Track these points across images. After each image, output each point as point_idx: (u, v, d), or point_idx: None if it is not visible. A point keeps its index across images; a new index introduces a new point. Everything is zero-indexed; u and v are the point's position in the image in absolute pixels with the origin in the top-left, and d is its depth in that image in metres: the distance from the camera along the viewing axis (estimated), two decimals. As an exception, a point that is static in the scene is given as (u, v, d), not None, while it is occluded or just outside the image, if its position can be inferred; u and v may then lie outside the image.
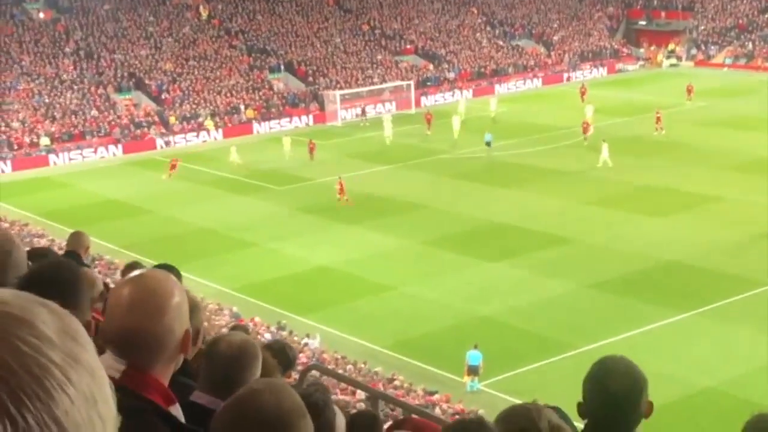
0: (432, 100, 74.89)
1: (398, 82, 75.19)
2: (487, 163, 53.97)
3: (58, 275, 3.90)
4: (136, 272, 3.17)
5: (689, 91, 67.41)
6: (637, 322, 32.09)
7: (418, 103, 73.26)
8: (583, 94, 66.38)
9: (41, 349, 1.14)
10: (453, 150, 57.10)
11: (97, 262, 35.45)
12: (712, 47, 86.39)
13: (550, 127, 60.71)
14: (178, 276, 3.90)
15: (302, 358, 27.28)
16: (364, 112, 69.61)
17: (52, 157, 61.77)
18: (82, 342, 1.20)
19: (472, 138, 58.63)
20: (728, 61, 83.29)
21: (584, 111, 60.78)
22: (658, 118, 58.60)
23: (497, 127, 61.25)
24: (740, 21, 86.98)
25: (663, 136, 56.99)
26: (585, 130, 55.80)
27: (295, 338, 30.51)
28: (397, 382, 26.70)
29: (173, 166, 54.09)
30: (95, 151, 62.99)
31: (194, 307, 3.90)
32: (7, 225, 40.54)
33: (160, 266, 4.17)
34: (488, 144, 55.37)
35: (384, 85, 74.64)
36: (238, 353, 3.90)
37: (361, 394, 21.51)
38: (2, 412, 1.08)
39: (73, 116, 65.78)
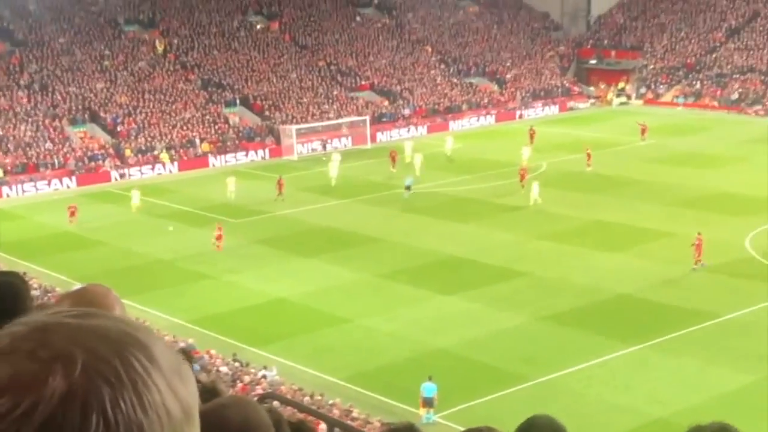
0: (387, 136, 75.44)
1: (354, 118, 75.66)
2: (443, 199, 54.42)
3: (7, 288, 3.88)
4: (75, 287, 3.23)
5: (643, 131, 68.04)
6: (591, 354, 32.54)
7: (374, 139, 73.76)
8: (532, 136, 66.03)
9: (150, 371, 1.27)
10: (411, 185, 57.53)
11: (49, 294, 35.26)
12: (661, 86, 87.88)
13: (504, 163, 61.38)
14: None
15: (258, 389, 27.40)
16: (324, 147, 69.83)
17: (5, 189, 61.39)
18: (186, 382, 1.33)
19: (430, 174, 59.20)
20: (681, 100, 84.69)
21: (521, 154, 61.15)
22: (588, 155, 59.88)
23: (453, 165, 61.87)
24: (688, 60, 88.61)
25: (596, 172, 57.96)
26: (522, 177, 54.66)
27: (252, 370, 30.61)
28: (354, 414, 26.85)
29: (72, 213, 51.85)
30: (49, 184, 62.72)
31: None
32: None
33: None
34: (408, 188, 54.31)
35: (340, 120, 75.07)
36: None
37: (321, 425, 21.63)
38: (100, 411, 1.21)
39: (27, 148, 65.46)
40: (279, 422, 4.92)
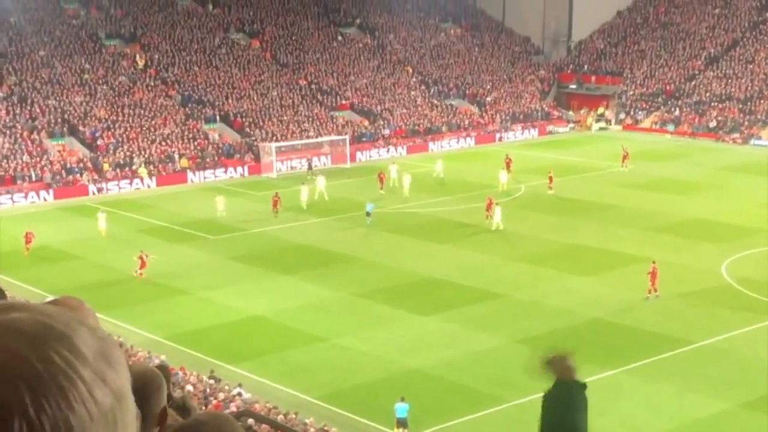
0: (367, 156, 75.52)
1: (334, 137, 75.69)
2: (421, 219, 54.46)
3: None
4: (48, 299, 3.21)
5: (624, 157, 67.98)
6: (566, 377, 32.47)
7: (353, 158, 73.81)
8: (508, 164, 65.15)
9: (72, 363, 1.21)
10: (389, 205, 57.60)
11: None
12: (640, 112, 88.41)
13: (482, 185, 61.51)
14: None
15: (232, 407, 27.26)
16: (310, 166, 69.67)
17: (-19, 200, 61.08)
18: (115, 367, 1.28)
19: (409, 195, 59.35)
20: (671, 127, 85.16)
21: (498, 178, 61.38)
22: (551, 178, 60.30)
23: (433, 187, 61.95)
24: (668, 87, 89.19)
25: (566, 196, 58.16)
26: (488, 206, 52.96)
27: (226, 387, 30.46)
28: (330, 433, 26.77)
29: (28, 241, 49.05)
30: (26, 196, 62.43)
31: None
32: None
33: None
34: (368, 214, 53.36)
35: (320, 139, 75.10)
36: (140, 384, 3.65)
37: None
38: (22, 414, 1.15)
39: (4, 161, 65.15)
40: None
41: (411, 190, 60.10)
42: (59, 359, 1.19)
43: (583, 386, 3.57)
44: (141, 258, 44.67)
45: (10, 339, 1.18)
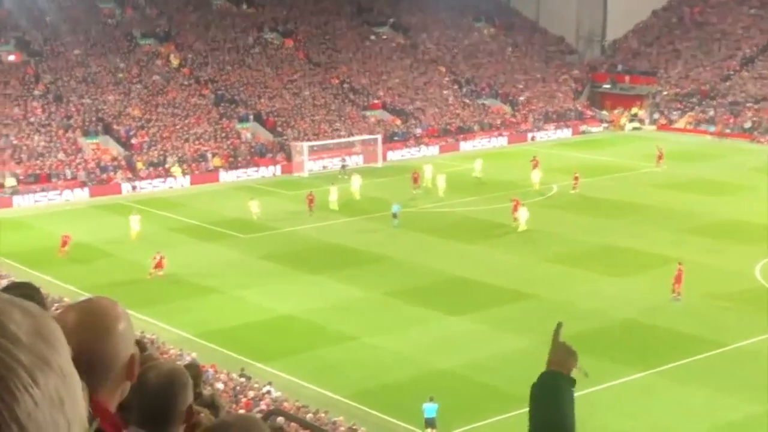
0: (399, 155, 75.51)
1: (366, 136, 75.74)
2: (452, 219, 54.41)
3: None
4: (82, 298, 3.22)
5: (659, 157, 67.67)
6: (596, 379, 32.29)
7: (385, 158, 73.83)
8: (535, 166, 64.15)
9: (9, 349, 1.16)
10: (420, 204, 57.60)
11: (56, 305, 35.29)
12: (674, 112, 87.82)
13: (515, 185, 61.35)
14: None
15: (262, 405, 27.40)
16: (344, 165, 69.69)
17: (16, 198, 61.62)
18: (54, 344, 1.23)
19: (437, 193, 59.35)
20: (711, 128, 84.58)
21: (531, 177, 61.50)
22: (576, 178, 60.14)
23: (475, 188, 61.74)
24: (702, 87, 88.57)
25: (599, 196, 57.87)
26: (515, 208, 52.72)
27: (255, 385, 30.58)
28: (359, 432, 26.82)
29: (64, 244, 48.68)
30: (60, 194, 62.91)
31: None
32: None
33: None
34: (395, 216, 53.04)
35: (352, 138, 75.18)
36: (167, 383, 3.74)
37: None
38: None
39: (39, 159, 65.72)
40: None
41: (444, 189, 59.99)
42: None
43: (572, 382, 3.57)
44: (156, 258, 44.86)
45: None
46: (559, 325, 3.47)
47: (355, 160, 72.49)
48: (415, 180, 61.67)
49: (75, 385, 1.24)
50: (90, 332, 2.87)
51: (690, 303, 39.65)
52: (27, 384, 1.15)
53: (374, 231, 52.24)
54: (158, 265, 44.61)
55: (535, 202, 57.75)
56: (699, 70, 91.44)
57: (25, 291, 3.96)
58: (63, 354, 1.22)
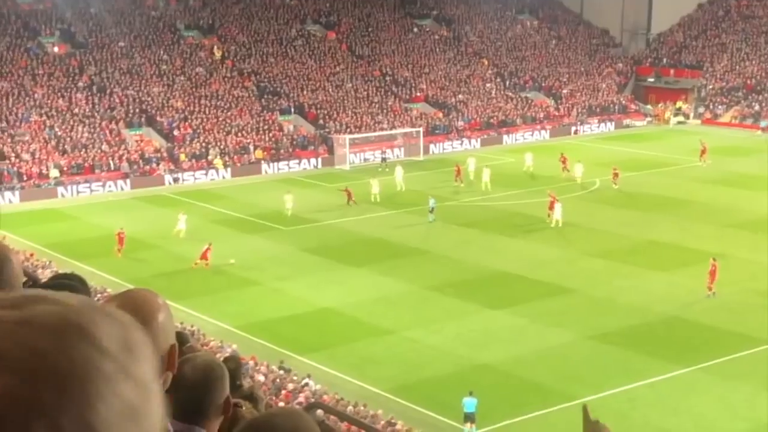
0: (440, 148, 75.29)
1: (408, 129, 75.63)
2: (493, 213, 54.17)
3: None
4: (124, 289, 3.22)
5: (702, 152, 66.98)
6: (638, 375, 32.14)
7: (426, 151, 73.66)
8: (564, 162, 63.67)
9: (94, 360, 1.16)
10: (458, 197, 57.41)
11: (99, 295, 35.54)
12: (720, 106, 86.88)
13: (556, 178, 60.96)
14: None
15: (301, 397, 27.41)
16: (384, 158, 69.60)
17: (60, 189, 62.13)
18: (139, 356, 1.22)
19: (480, 187, 59.10)
20: (764, 123, 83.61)
21: (574, 171, 61.04)
22: (615, 174, 59.35)
23: (517, 182, 61.36)
24: (748, 81, 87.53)
25: (645, 192, 57.31)
26: (552, 204, 51.94)
27: (294, 377, 30.61)
28: (398, 426, 26.75)
29: (121, 241, 47.69)
30: (103, 185, 63.33)
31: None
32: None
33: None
34: (431, 210, 52.46)
35: (394, 131, 75.08)
36: (203, 375, 3.76)
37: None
38: (42, 413, 1.11)
39: (83, 150, 66.21)
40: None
41: (482, 182, 59.68)
42: (81, 357, 1.16)
43: None
44: (204, 247, 45.02)
45: (30, 334, 1.15)
46: (585, 408, 3.37)
47: (397, 153, 72.40)
48: (458, 173, 61.43)
49: (154, 399, 1.24)
50: None
51: (733, 299, 39.19)
52: (106, 394, 1.16)
53: (415, 224, 52.13)
54: (203, 256, 44.78)
55: (578, 196, 57.40)
56: (745, 63, 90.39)
57: (72, 282, 3.96)
58: (147, 366, 1.23)
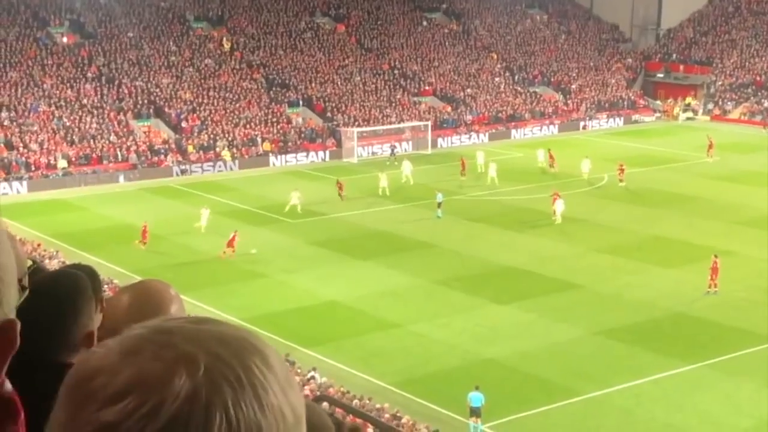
0: (448, 142, 75.22)
1: (416, 123, 75.57)
2: (501, 207, 54.11)
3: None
4: (134, 281, 3.23)
5: (709, 147, 66.97)
6: (644, 371, 32.12)
7: (434, 144, 73.60)
8: (551, 161, 63.25)
9: (267, 376, 1.31)
10: (465, 191, 57.35)
11: (106, 286, 35.59)
12: (729, 103, 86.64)
13: (565, 174, 60.86)
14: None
15: (306, 390, 27.43)
16: (393, 152, 69.57)
17: (68, 179, 62.17)
18: (295, 389, 1.37)
19: (488, 182, 59.09)
20: None
21: (581, 167, 60.53)
22: (622, 170, 58.79)
23: (525, 177, 61.23)
24: (758, 78, 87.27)
25: (654, 188, 57.20)
26: (554, 200, 51.62)
27: (298, 370, 30.62)
28: (404, 420, 26.76)
29: (144, 236, 47.29)
30: (111, 176, 63.33)
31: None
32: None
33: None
34: (439, 205, 52.16)
35: (402, 125, 75.03)
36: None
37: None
38: (224, 410, 1.26)
39: (91, 140, 66.26)
40: (340, 427, 4.86)
41: (489, 177, 59.69)
42: (257, 370, 1.30)
43: None
44: (230, 235, 45.31)
45: (217, 346, 1.30)
46: None
47: (405, 147, 72.36)
48: (463, 166, 61.33)
49: (303, 429, 1.37)
50: (142, 314, 2.89)
51: (740, 296, 39.14)
52: (275, 409, 1.30)
53: (422, 218, 52.09)
54: (230, 244, 45.10)
55: (585, 191, 57.33)
56: (755, 60, 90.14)
57: (87, 272, 3.98)
58: (301, 401, 1.36)
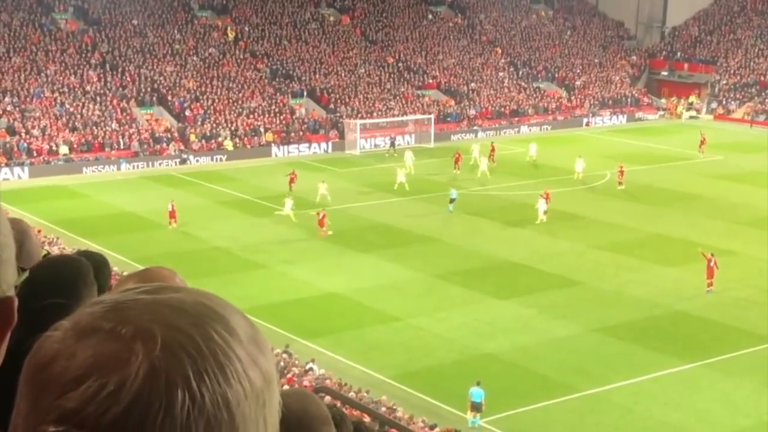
0: (451, 136, 75.08)
1: (419, 116, 75.49)
2: (502, 202, 54.03)
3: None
4: (139, 268, 3.19)
5: (701, 143, 67.43)
6: (642, 369, 32.08)
7: (437, 138, 73.49)
8: (491, 153, 62.86)
9: (230, 342, 1.26)
10: (470, 187, 57.26)
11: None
12: (732, 102, 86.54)
13: (566, 170, 60.75)
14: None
15: (305, 382, 27.40)
16: (393, 144, 69.57)
17: (69, 166, 62.10)
18: (264, 350, 1.32)
19: (491, 177, 59.00)
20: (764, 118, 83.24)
21: (574, 166, 59.95)
22: (621, 172, 57.89)
23: (526, 172, 61.18)
24: (762, 78, 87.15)
25: (659, 186, 57.12)
26: (547, 197, 51.17)
27: (296, 362, 30.59)
28: (399, 413, 26.72)
29: (173, 215, 48.61)
30: (113, 163, 63.28)
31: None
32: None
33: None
34: (452, 201, 51.97)
35: (405, 118, 74.96)
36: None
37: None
38: (185, 386, 1.21)
39: (94, 127, 66.19)
40: (342, 419, 4.81)
41: (493, 173, 59.58)
42: (218, 338, 1.25)
43: None
44: (319, 215, 46.93)
45: (175, 316, 1.25)
46: None
47: (407, 140, 72.29)
48: (457, 161, 61.23)
49: (276, 394, 1.34)
50: None
51: (740, 296, 39.12)
52: (240, 376, 1.25)
53: (423, 211, 52.01)
54: (321, 223, 46.11)
55: (588, 188, 57.26)
56: (759, 60, 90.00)
57: (97, 260, 3.96)
58: (270, 361, 1.33)
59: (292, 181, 55.49)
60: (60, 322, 1.29)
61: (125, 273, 27.24)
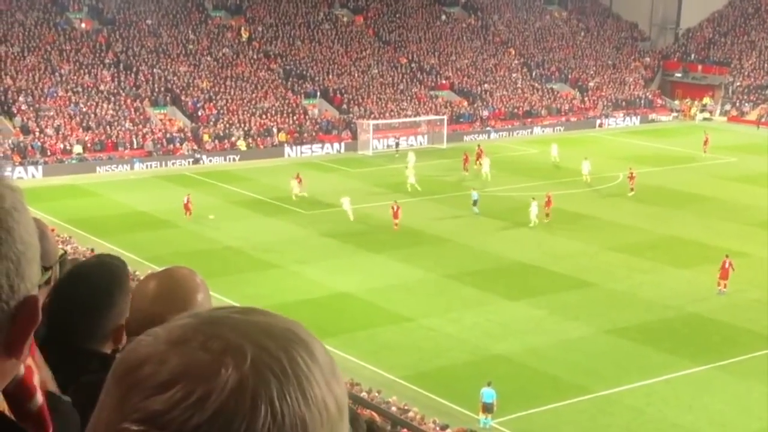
0: (464, 137, 74.97)
1: (432, 117, 75.47)
2: (514, 203, 53.94)
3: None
4: (160, 268, 3.21)
5: (705, 142, 67.51)
6: (655, 371, 32.01)
7: (450, 139, 73.44)
8: (478, 156, 62.29)
9: (312, 368, 1.31)
10: (480, 188, 57.18)
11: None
12: (746, 104, 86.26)
13: (579, 171, 60.59)
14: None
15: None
16: (397, 145, 69.69)
17: (82, 165, 62.27)
18: (339, 380, 1.36)
19: (503, 178, 58.90)
20: None
21: (581, 168, 59.48)
22: (632, 177, 57.00)
23: (539, 173, 61.07)
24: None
25: (673, 188, 56.97)
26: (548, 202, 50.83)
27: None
28: (410, 414, 26.71)
29: (188, 208, 49.74)
30: (126, 163, 63.44)
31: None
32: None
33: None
34: (475, 203, 51.84)
35: (417, 119, 74.96)
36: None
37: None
38: (269, 404, 1.26)
39: (107, 127, 66.38)
40: (355, 418, 4.83)
41: (505, 173, 59.49)
42: (302, 363, 1.30)
43: None
44: (393, 208, 48.16)
45: (264, 337, 1.30)
46: None
47: (420, 141, 72.29)
48: (465, 161, 61.20)
49: (346, 423, 1.38)
50: (169, 301, 2.95)
51: (753, 298, 38.98)
52: (318, 401, 1.30)
53: (435, 212, 52.00)
54: (395, 215, 47.21)
55: (601, 189, 57.14)
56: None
57: (115, 262, 3.96)
58: (344, 394, 1.37)
59: (299, 182, 55.28)
60: (154, 329, 1.34)
61: (137, 272, 27.07)
